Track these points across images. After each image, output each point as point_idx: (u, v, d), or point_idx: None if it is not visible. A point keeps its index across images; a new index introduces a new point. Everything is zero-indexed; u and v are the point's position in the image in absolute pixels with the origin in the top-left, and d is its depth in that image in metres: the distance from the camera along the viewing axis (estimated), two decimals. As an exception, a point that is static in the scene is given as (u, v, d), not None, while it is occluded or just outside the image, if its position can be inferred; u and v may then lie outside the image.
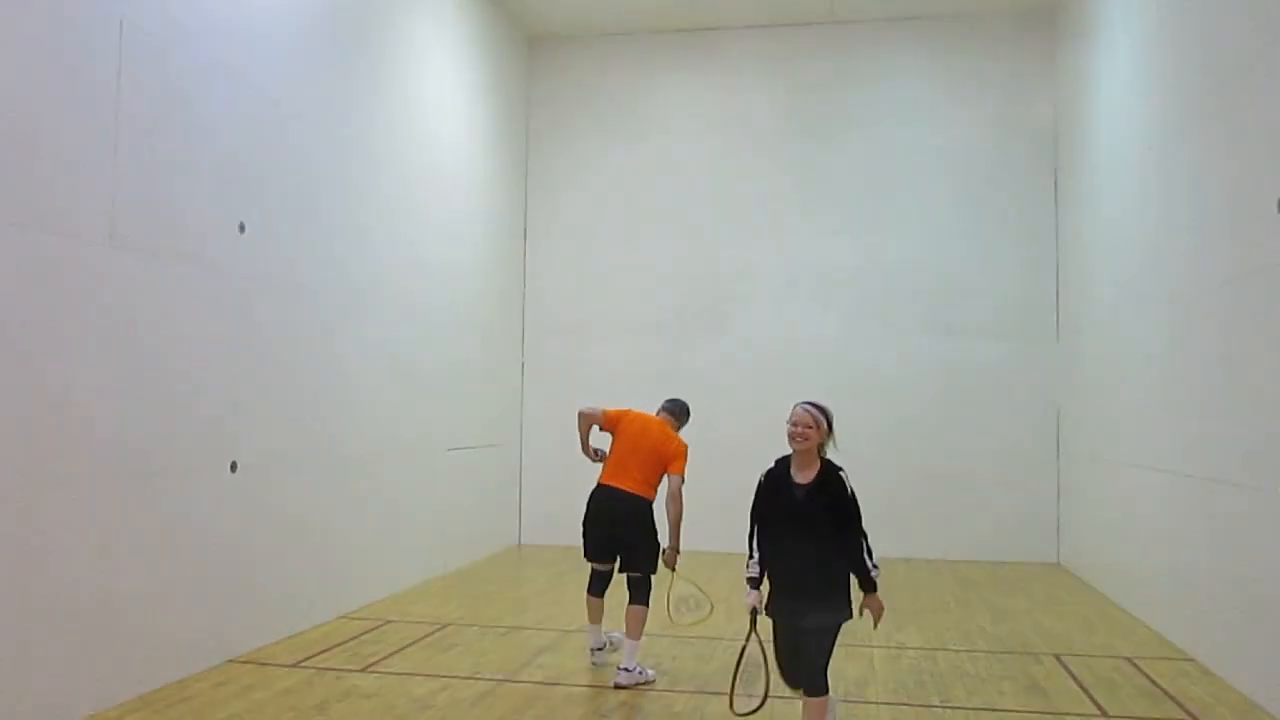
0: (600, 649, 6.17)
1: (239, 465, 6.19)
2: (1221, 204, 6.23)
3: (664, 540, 5.96)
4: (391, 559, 8.38)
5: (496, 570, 9.80)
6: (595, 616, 6.15)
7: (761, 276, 11.31)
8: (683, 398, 6.45)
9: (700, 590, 6.06)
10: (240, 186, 6.25)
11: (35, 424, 4.66)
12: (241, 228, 6.23)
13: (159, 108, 5.52)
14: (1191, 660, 6.43)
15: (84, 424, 4.94)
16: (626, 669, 5.74)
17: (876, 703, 5.48)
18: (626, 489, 5.97)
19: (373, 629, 7.07)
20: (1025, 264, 10.84)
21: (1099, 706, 5.48)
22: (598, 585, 6.15)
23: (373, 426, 8.01)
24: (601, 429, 6.22)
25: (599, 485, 6.11)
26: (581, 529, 6.15)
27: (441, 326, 9.43)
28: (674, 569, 5.92)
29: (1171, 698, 5.64)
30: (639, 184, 11.66)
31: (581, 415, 6.25)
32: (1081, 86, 9.83)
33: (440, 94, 9.52)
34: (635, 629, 5.81)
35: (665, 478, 6.01)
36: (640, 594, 5.91)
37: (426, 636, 6.88)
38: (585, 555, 6.17)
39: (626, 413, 6.24)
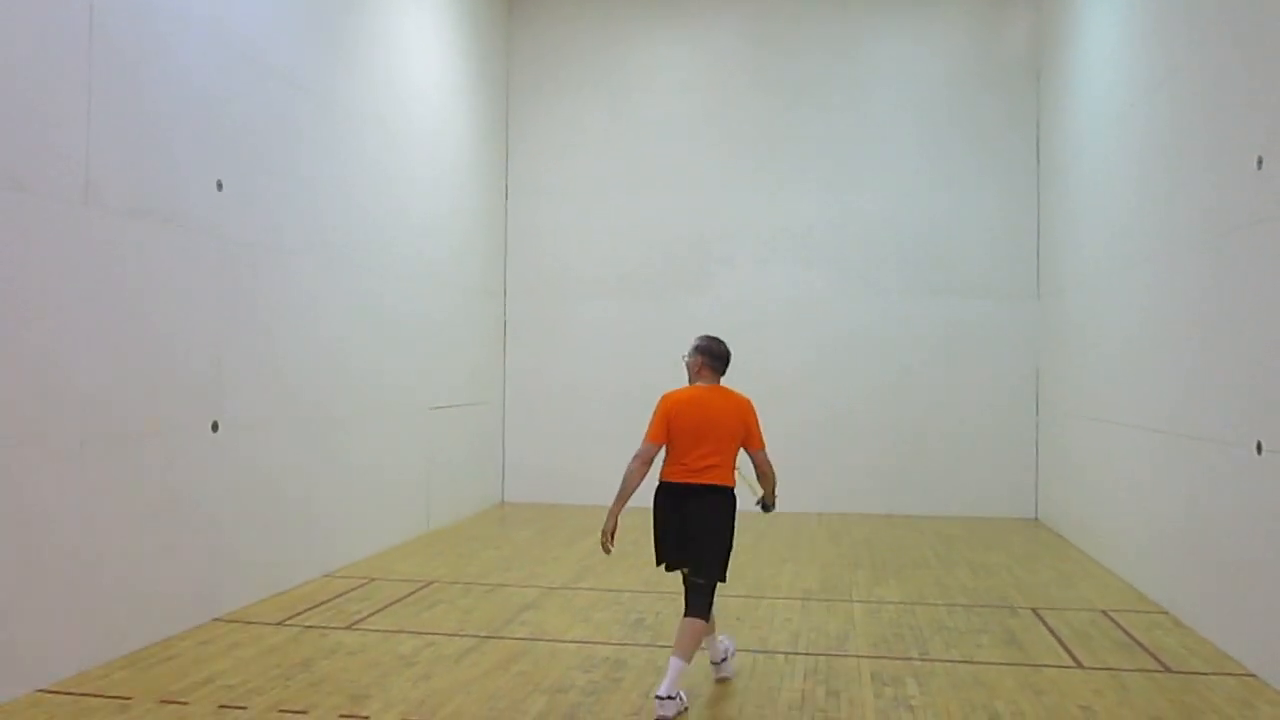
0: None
1: (221, 424, 6.16)
2: (1202, 161, 6.23)
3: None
4: (375, 518, 8.39)
5: (480, 528, 9.84)
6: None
7: (744, 235, 11.27)
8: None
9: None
10: (218, 143, 6.15)
11: (14, 385, 4.61)
12: (219, 185, 6.15)
13: (134, 62, 5.41)
14: (1165, 613, 6.55)
15: (64, 385, 4.90)
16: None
17: (857, 656, 5.57)
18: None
19: (357, 587, 7.10)
20: (1006, 222, 10.84)
21: (1074, 658, 5.58)
22: None
23: (355, 385, 7.98)
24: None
25: None
26: None
27: (423, 284, 9.37)
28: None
29: (1145, 649, 5.75)
30: (619, 142, 11.55)
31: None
32: (1063, 43, 9.78)
33: (421, 49, 9.37)
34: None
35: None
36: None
37: (410, 594, 6.92)
38: None
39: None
